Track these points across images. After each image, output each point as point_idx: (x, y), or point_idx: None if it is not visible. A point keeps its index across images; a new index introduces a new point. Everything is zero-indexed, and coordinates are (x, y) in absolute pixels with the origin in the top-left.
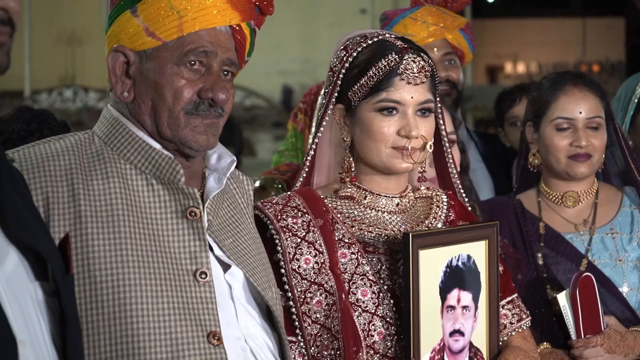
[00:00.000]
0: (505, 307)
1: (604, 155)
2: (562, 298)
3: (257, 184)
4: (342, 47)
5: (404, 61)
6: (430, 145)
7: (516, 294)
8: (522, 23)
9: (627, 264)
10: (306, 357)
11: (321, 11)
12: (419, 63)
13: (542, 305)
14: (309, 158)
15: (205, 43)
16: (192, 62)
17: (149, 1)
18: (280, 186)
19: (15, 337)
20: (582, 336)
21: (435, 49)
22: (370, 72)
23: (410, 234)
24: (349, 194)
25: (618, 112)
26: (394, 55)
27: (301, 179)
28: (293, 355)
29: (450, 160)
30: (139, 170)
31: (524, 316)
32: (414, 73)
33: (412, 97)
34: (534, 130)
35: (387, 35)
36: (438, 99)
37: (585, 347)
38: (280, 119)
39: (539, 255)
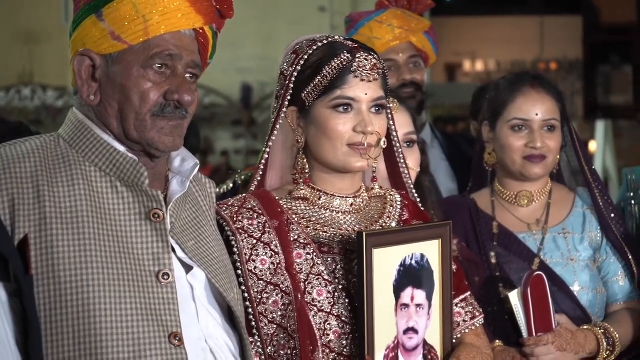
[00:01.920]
0: (459, 305)
1: (558, 157)
2: (514, 296)
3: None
4: (291, 52)
5: (357, 59)
6: (384, 142)
7: (469, 292)
8: (481, 21)
9: (579, 264)
10: (263, 357)
11: (280, 9)
12: (371, 61)
13: (494, 303)
14: (262, 161)
15: (171, 46)
16: (159, 66)
17: (114, 6)
18: None
19: None
20: (534, 334)
21: (400, 52)
22: (324, 71)
23: (364, 233)
24: (302, 195)
25: None
26: (346, 54)
27: (256, 182)
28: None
29: (402, 161)
30: (104, 173)
31: (477, 314)
32: (367, 70)
33: (366, 94)
34: (490, 130)
35: (335, 37)
36: (390, 98)
37: (537, 345)
38: (239, 117)
39: (492, 254)
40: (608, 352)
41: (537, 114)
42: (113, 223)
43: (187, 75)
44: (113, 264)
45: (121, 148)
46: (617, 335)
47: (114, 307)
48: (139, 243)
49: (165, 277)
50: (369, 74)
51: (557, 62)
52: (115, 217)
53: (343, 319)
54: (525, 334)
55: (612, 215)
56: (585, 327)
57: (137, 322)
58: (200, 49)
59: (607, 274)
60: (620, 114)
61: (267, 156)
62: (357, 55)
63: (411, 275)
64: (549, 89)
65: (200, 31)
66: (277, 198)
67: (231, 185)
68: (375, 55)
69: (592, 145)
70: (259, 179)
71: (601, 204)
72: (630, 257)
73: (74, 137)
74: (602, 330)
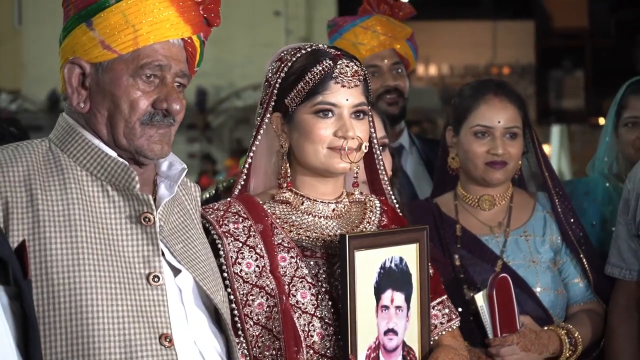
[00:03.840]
0: (436, 307)
1: (520, 162)
2: (480, 298)
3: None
4: (276, 59)
5: (338, 66)
6: (366, 146)
7: (446, 296)
8: (434, 25)
9: (540, 265)
10: (248, 358)
11: (235, 13)
12: (353, 68)
13: (459, 304)
14: (246, 166)
15: (160, 57)
16: (148, 75)
17: (104, 15)
18: None
19: None
20: (499, 335)
21: (385, 59)
22: (307, 77)
23: (347, 236)
24: (285, 199)
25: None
26: (328, 60)
27: (239, 187)
28: None
29: (382, 167)
30: (95, 177)
31: (454, 316)
32: (348, 77)
33: (347, 100)
34: (454, 135)
35: (320, 45)
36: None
37: (502, 345)
38: (193, 120)
39: (456, 256)
40: (570, 352)
41: (499, 122)
42: (104, 226)
43: (175, 84)
44: (104, 266)
45: (112, 153)
46: (579, 336)
47: (106, 309)
48: (130, 246)
49: (156, 279)
50: (350, 80)
51: (510, 66)
52: (107, 221)
53: (326, 320)
54: (490, 334)
55: (571, 220)
56: (548, 328)
57: (128, 324)
58: (188, 57)
59: (567, 276)
60: (573, 118)
61: (250, 161)
62: (339, 62)
63: (391, 278)
64: (512, 97)
65: (189, 41)
66: (260, 202)
67: (213, 191)
68: (357, 63)
69: (546, 149)
70: (242, 183)
71: (560, 209)
72: (585, 262)
73: (64, 141)
74: (565, 331)
